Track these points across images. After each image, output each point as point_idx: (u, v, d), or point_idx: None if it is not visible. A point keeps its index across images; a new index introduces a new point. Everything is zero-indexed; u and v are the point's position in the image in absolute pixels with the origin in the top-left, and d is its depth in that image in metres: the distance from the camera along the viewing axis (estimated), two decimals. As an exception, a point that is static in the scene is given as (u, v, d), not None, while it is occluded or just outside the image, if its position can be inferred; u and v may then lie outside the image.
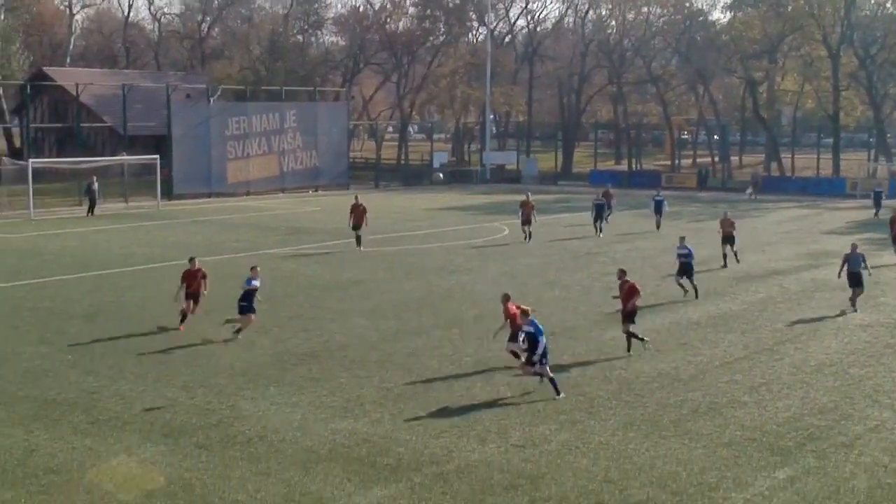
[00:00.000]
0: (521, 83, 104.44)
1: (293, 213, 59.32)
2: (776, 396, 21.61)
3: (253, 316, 26.21)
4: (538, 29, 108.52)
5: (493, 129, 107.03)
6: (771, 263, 40.33)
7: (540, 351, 21.30)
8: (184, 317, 27.19)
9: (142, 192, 63.59)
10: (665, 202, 52.27)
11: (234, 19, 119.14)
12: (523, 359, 21.89)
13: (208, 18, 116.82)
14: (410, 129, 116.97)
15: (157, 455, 17.60)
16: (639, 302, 25.52)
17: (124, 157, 64.47)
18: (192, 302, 27.28)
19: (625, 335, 25.30)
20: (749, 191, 74.50)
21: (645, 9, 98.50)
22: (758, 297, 33.10)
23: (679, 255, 32.72)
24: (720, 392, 21.90)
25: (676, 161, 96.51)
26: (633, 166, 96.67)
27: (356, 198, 45.21)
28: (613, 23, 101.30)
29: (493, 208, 61.32)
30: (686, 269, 32.50)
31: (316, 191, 74.50)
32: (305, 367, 23.60)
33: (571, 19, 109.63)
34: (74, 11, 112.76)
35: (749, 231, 49.60)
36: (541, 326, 21.59)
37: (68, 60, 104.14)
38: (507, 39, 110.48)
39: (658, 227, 51.08)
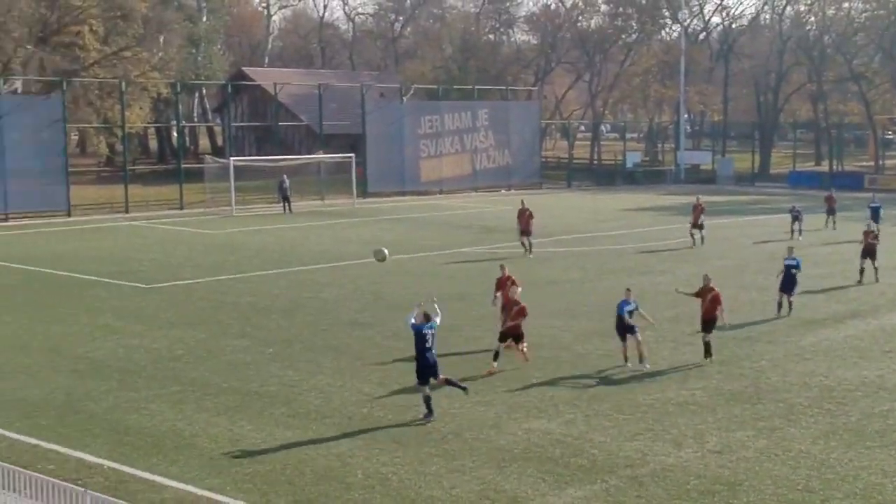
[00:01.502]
0: (716, 81, 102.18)
1: (485, 211, 59.62)
2: None
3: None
4: (733, 26, 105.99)
5: (688, 128, 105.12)
6: None
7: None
8: (502, 337, 23.77)
9: (337, 189, 65.06)
10: (882, 208, 49.55)
11: (427, 18, 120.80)
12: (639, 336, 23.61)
13: (401, 18, 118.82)
14: (603, 128, 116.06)
15: (354, 449, 17.92)
16: (720, 312, 24.29)
17: (321, 156, 66.11)
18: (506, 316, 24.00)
19: (703, 343, 24.34)
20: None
21: (846, 4, 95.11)
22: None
23: (787, 266, 29.81)
24: (931, 403, 20.86)
25: (880, 162, 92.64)
26: (834, 167, 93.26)
27: (522, 202, 43.29)
28: (813, 19, 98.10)
29: (687, 209, 60.04)
30: (789, 281, 29.59)
31: (508, 189, 74.71)
32: (498, 366, 23.61)
33: (768, 16, 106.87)
34: (272, 13, 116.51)
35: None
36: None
37: (266, 60, 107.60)
38: (701, 37, 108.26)
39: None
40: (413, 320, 19.57)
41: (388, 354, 24.65)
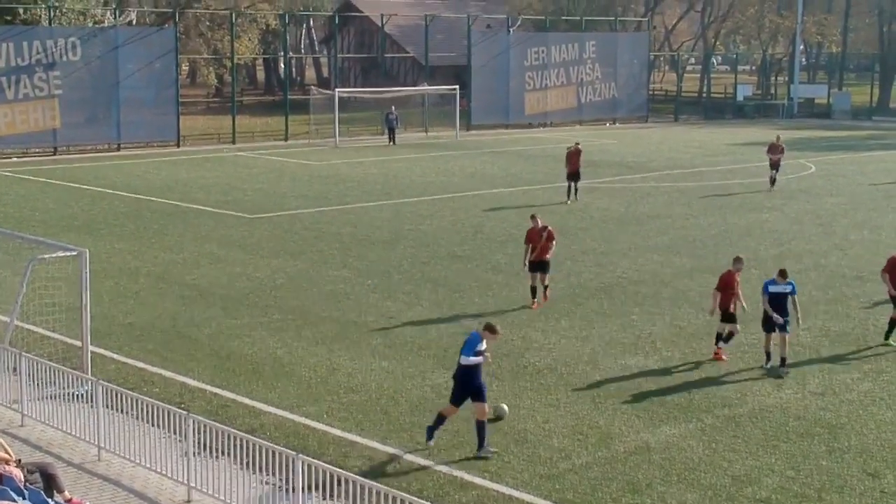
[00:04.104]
0: (837, 11, 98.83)
1: (590, 145, 59.00)
2: None
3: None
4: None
5: (803, 60, 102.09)
6: None
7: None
8: (532, 292, 23.04)
9: (441, 122, 64.95)
10: None
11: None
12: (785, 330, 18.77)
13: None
14: (714, 60, 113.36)
15: (449, 381, 17.84)
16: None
17: (425, 88, 65.95)
18: (538, 274, 22.91)
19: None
20: None
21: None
22: None
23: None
24: None
25: None
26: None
27: (577, 144, 39.13)
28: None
29: (799, 144, 58.60)
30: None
31: (613, 123, 73.73)
32: (597, 302, 23.49)
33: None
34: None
35: None
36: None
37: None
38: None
39: None
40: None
41: (486, 288, 24.66)
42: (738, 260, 19.93)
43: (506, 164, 49.08)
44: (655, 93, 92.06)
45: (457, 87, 63.93)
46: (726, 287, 19.45)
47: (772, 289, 18.94)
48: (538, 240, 22.73)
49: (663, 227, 32.88)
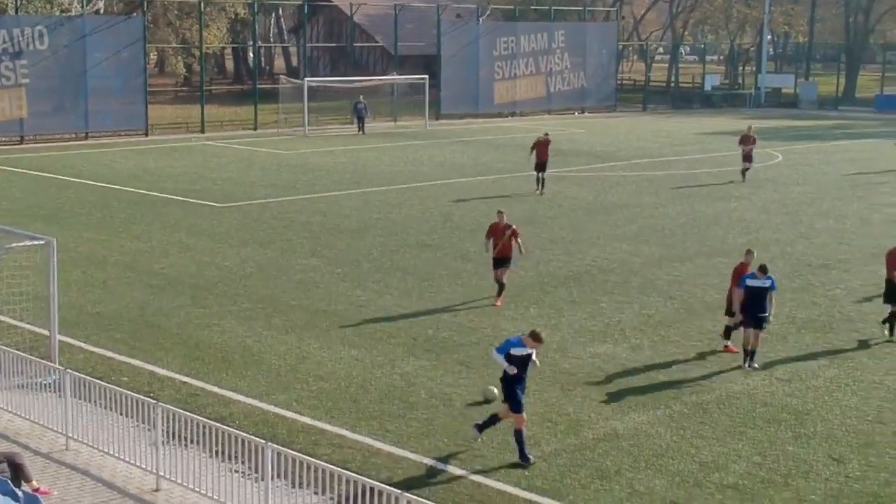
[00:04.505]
0: (803, 2, 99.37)
1: (559, 134, 59.09)
2: None
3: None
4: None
5: (770, 50, 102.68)
6: None
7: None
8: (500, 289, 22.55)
9: (410, 111, 64.87)
10: None
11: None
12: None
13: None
14: (682, 50, 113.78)
15: (418, 369, 18.06)
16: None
17: (394, 77, 65.83)
18: (501, 269, 22.56)
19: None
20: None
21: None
22: None
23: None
24: None
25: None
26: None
27: (546, 134, 38.43)
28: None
29: (767, 134, 58.90)
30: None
31: (582, 112, 73.89)
32: (566, 290, 23.58)
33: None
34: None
35: None
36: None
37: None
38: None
39: None
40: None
41: (455, 276, 24.70)
42: (749, 253, 19.43)
43: (475, 154, 49.12)
44: (624, 82, 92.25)
45: (426, 76, 63.87)
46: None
47: (750, 282, 18.37)
48: (500, 236, 22.38)
49: (632, 216, 33.02)
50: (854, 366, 18.64)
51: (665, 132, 61.07)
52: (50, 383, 15.40)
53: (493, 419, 14.87)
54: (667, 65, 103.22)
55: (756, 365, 18.45)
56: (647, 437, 15.27)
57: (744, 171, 40.71)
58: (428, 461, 14.32)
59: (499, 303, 22.31)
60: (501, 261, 22.51)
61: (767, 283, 18.40)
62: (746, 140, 40.80)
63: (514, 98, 71.45)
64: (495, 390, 16.28)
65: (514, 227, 22.48)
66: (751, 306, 18.34)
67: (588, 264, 26.18)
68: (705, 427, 15.72)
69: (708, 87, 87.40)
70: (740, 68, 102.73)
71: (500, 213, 22.94)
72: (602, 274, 25.16)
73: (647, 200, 35.99)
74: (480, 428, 14.94)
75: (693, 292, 23.50)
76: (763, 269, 18.44)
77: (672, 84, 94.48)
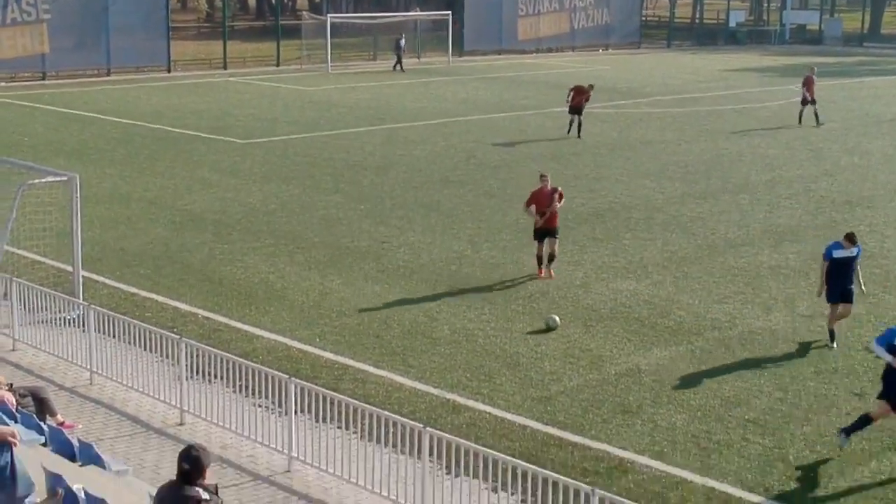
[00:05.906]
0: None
1: (582, 71, 58.58)
2: None
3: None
4: None
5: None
6: None
7: None
8: (539, 260, 19.97)
9: (433, 47, 64.41)
10: None
11: None
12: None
13: None
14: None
15: (441, 305, 18.09)
16: None
17: (417, 13, 65.31)
18: (547, 240, 19.82)
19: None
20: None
21: None
22: None
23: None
24: None
25: None
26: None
27: (590, 86, 36.37)
28: None
29: (790, 71, 58.21)
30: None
31: (606, 49, 73.13)
32: (589, 227, 23.52)
33: None
34: None
35: None
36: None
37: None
38: None
39: None
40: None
41: (478, 213, 24.66)
42: (543, 177, 19.70)
43: (498, 90, 48.78)
44: (648, 19, 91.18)
45: (449, 12, 63.32)
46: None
47: (836, 254, 16.18)
48: (546, 204, 19.52)
49: (655, 152, 32.81)
50: (876, 302, 18.55)
51: (689, 69, 60.44)
52: (74, 318, 15.52)
53: (865, 420, 12.95)
54: (691, 1, 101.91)
55: (833, 345, 16.40)
56: (668, 373, 15.30)
57: (815, 114, 38.47)
58: (450, 396, 14.40)
59: (547, 274, 19.64)
60: (548, 231, 19.65)
61: (854, 253, 16.33)
62: (810, 83, 38.48)
63: (538, 34, 70.74)
64: (557, 319, 16.42)
65: (559, 189, 19.90)
66: (835, 279, 16.24)
67: (611, 201, 26.08)
68: (727, 363, 15.73)
69: (732, 24, 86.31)
70: (765, 5, 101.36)
71: (542, 176, 20.03)
72: (625, 211, 25.07)
73: (670, 137, 35.74)
74: (848, 432, 13.02)
75: (716, 229, 23.40)
76: (851, 238, 16.31)
77: (696, 20, 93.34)
